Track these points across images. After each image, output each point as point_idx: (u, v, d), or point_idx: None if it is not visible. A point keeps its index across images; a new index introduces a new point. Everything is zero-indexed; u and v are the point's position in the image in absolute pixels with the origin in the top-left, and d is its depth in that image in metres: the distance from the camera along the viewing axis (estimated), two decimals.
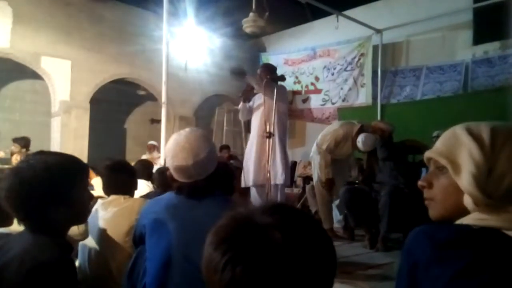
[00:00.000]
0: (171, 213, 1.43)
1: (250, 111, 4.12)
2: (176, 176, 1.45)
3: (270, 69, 4.04)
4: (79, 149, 6.35)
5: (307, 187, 5.16)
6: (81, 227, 2.02)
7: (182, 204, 1.44)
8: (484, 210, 0.78)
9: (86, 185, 1.21)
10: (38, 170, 1.07)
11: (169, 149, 1.45)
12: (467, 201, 0.80)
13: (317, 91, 7.41)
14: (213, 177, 1.50)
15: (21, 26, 5.86)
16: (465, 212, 0.81)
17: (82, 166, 1.22)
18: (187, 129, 1.52)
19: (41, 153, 1.15)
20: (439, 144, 0.88)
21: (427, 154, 0.90)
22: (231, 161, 6.07)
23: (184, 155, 1.39)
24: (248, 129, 7.22)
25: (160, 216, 1.43)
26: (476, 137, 0.81)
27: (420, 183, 0.92)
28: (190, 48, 7.67)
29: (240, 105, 4.12)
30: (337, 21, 5.86)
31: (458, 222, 0.82)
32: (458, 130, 0.85)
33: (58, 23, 6.24)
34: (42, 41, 6.08)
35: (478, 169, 0.78)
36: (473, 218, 0.79)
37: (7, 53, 5.83)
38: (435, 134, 4.95)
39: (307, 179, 6.04)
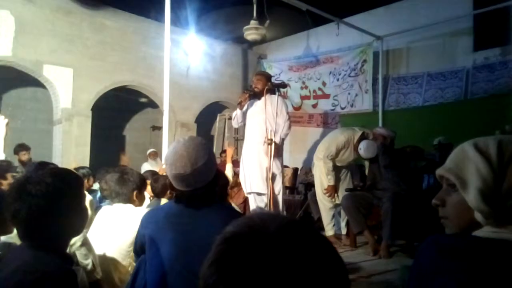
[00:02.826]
0: (171, 222, 1.42)
1: (244, 117, 4.09)
2: (175, 184, 1.44)
3: (267, 77, 4.04)
4: (81, 156, 6.35)
5: (309, 193, 5.14)
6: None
7: (182, 213, 1.44)
8: (495, 224, 0.78)
9: (82, 197, 1.22)
10: (46, 185, 1.09)
11: (168, 157, 1.44)
12: (478, 216, 0.80)
13: (326, 96, 7.43)
14: (212, 185, 1.49)
15: (23, 34, 5.89)
16: (479, 228, 0.81)
17: (76, 178, 1.24)
18: (186, 137, 1.51)
19: (40, 168, 1.16)
20: (448, 161, 0.89)
21: (438, 172, 0.90)
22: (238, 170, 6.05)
23: (182, 163, 1.38)
24: None
25: (160, 226, 1.42)
26: (483, 152, 0.81)
27: (433, 201, 0.92)
28: (191, 55, 7.70)
29: (237, 111, 4.09)
30: (338, 28, 5.89)
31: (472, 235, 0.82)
32: (466, 146, 0.85)
33: (60, 32, 6.27)
34: (44, 49, 6.10)
35: (486, 184, 0.78)
36: (485, 231, 0.79)
37: (9, 61, 5.86)
38: (436, 142, 4.96)
39: (309, 185, 6.02)
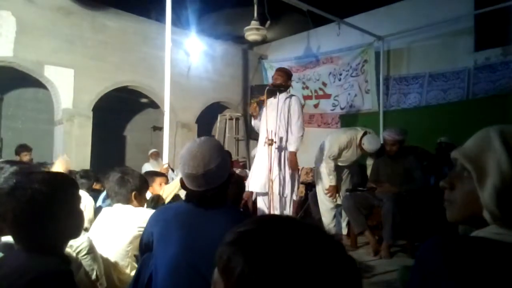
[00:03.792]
0: (179, 221, 1.43)
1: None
2: (187, 183, 1.46)
3: (288, 75, 3.97)
4: (82, 157, 6.35)
5: (310, 194, 5.13)
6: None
7: (191, 212, 1.44)
8: (502, 225, 0.73)
9: (75, 200, 1.22)
10: (32, 191, 1.09)
11: (182, 156, 1.45)
12: (486, 215, 0.74)
13: (327, 96, 7.43)
14: (225, 187, 1.50)
15: (25, 35, 5.89)
16: (482, 221, 0.76)
17: (71, 182, 1.24)
18: (202, 138, 1.51)
19: (31, 173, 1.17)
20: (468, 144, 0.80)
21: (453, 154, 0.82)
22: (239, 170, 6.06)
23: (195, 163, 1.39)
24: (250, 137, 7.17)
25: (169, 224, 1.43)
26: (509, 145, 0.73)
27: (441, 183, 0.84)
28: (192, 56, 7.71)
29: (253, 122, 4.09)
30: (339, 28, 5.89)
31: (474, 233, 0.78)
32: (492, 133, 0.77)
33: (61, 32, 6.27)
34: (45, 50, 6.11)
35: (504, 181, 0.71)
36: (490, 232, 0.74)
37: (10, 61, 5.86)
38: (438, 141, 4.94)
39: (310, 185, 6.01)
